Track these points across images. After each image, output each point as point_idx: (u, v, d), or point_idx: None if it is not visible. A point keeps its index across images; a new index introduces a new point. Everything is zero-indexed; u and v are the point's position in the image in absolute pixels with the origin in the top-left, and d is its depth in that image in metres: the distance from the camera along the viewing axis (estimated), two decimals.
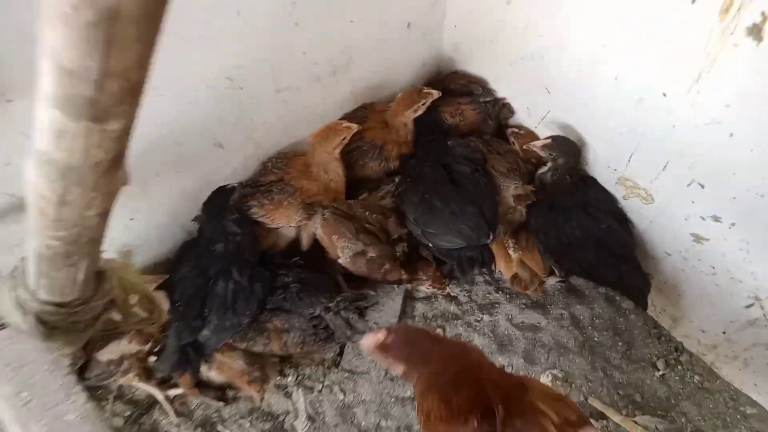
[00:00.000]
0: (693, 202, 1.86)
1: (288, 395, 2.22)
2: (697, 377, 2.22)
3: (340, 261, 2.09)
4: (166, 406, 2.14)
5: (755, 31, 1.37)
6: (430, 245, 2.12)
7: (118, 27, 0.63)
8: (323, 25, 2.02)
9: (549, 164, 2.15)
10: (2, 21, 1.32)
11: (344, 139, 2.17)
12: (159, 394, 2.11)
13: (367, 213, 2.14)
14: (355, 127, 2.17)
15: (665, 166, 1.86)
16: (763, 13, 1.32)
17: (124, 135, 0.79)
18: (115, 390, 2.14)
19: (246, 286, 1.99)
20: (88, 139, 0.79)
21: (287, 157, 2.26)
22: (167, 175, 1.97)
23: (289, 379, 2.24)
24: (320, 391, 2.23)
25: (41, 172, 0.84)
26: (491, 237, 2.02)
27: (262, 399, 2.19)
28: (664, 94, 1.70)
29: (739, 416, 2.14)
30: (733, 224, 1.77)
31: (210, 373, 2.13)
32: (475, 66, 2.50)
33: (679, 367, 2.25)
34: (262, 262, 2.14)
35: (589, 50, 1.94)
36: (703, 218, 1.87)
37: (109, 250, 1.59)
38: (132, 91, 0.74)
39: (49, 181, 0.85)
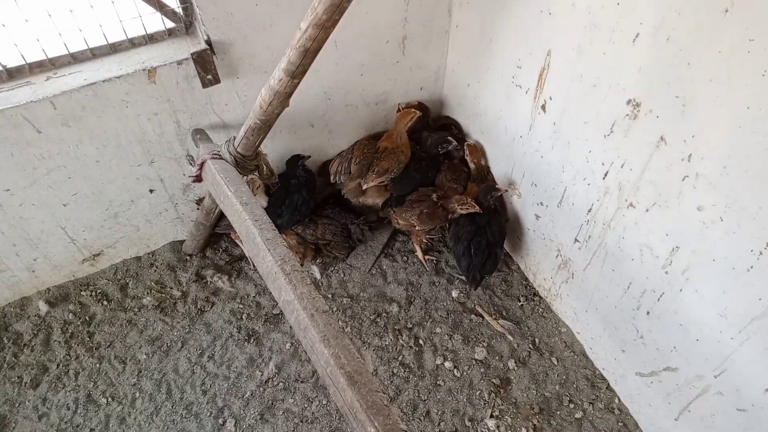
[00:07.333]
0: (533, 195, 2.60)
1: (315, 266, 3.20)
2: (540, 309, 3.02)
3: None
4: (251, 260, 3.12)
5: (543, 107, 2.26)
6: None
7: (304, 57, 1.83)
8: (374, 78, 2.88)
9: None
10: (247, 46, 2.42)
11: (411, 119, 2.97)
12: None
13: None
14: (418, 113, 2.98)
15: (523, 175, 2.63)
16: (545, 100, 2.23)
17: (297, 85, 1.94)
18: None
19: (308, 200, 2.93)
20: (288, 83, 1.90)
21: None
22: (283, 134, 2.82)
23: (317, 261, 3.22)
24: (331, 271, 3.19)
25: (267, 92, 1.96)
26: None
27: (302, 265, 3.18)
28: (521, 137, 2.52)
29: (557, 332, 2.92)
30: (547, 206, 2.50)
31: None
32: (455, 114, 3.24)
33: (532, 302, 3.03)
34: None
35: (494, 112, 2.71)
36: (537, 204, 2.59)
37: None
38: (305, 71, 1.88)
39: (268, 95, 1.95)
